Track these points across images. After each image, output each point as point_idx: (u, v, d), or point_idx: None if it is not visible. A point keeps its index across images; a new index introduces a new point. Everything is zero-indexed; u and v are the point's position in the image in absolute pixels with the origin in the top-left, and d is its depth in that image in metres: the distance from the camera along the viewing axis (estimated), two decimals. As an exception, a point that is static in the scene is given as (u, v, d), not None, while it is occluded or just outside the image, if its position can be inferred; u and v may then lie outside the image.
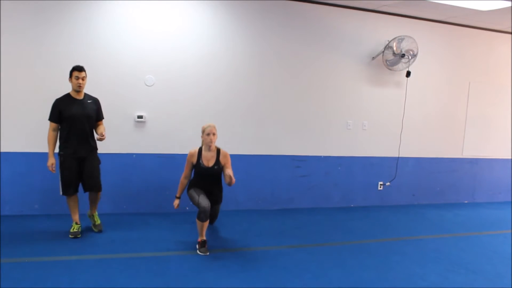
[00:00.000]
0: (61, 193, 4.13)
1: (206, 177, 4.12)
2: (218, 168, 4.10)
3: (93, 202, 4.35)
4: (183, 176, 4.18)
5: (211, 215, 4.24)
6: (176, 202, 4.20)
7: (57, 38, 4.62)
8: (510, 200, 7.02)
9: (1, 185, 4.62)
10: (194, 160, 4.09)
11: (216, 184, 4.22)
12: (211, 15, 5.13)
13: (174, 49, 5.02)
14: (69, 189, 4.10)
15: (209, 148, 4.08)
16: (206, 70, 5.17)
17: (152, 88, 5.00)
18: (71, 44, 4.66)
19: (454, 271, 3.75)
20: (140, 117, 4.97)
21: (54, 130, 4.06)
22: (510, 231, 5.19)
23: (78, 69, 4.04)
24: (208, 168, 4.07)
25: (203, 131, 4.07)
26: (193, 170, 4.20)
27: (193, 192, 4.08)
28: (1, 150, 4.58)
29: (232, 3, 5.19)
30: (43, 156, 4.55)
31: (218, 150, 4.13)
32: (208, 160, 4.08)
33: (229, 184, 3.95)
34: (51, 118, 4.05)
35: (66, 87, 4.37)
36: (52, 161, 4.05)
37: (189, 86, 5.12)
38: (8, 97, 4.54)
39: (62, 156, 4.07)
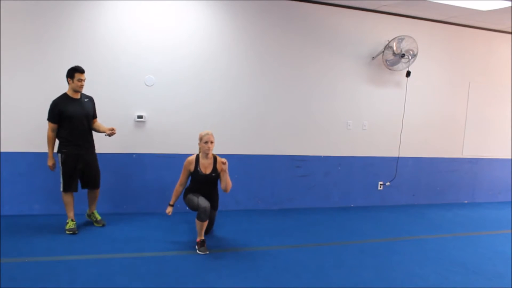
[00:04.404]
0: (61, 189, 4.20)
1: (203, 184, 4.12)
2: (215, 175, 4.12)
3: (93, 200, 4.46)
4: (179, 183, 4.15)
5: (208, 222, 4.18)
6: (169, 209, 4.15)
7: (57, 38, 4.62)
8: (510, 200, 7.02)
9: (1, 185, 4.62)
10: (192, 167, 4.08)
11: (212, 190, 4.22)
12: (211, 15, 5.13)
13: (174, 49, 5.02)
14: (70, 186, 4.19)
15: (206, 156, 4.08)
16: (206, 70, 5.17)
17: (152, 88, 5.00)
18: (71, 44, 4.66)
19: (454, 271, 3.75)
20: (140, 117, 4.97)
21: (53, 130, 4.12)
22: (510, 231, 5.20)
23: (81, 70, 4.11)
24: (205, 175, 4.08)
25: (200, 139, 4.07)
26: (189, 178, 4.19)
27: (191, 196, 4.07)
28: (1, 150, 4.58)
29: (232, 3, 5.19)
30: (43, 156, 4.56)
31: (215, 158, 4.14)
32: (206, 168, 4.08)
33: (225, 189, 4.10)
34: (51, 119, 4.10)
35: (65, 87, 4.37)
36: (52, 161, 4.18)
37: (189, 86, 5.12)
38: (8, 97, 4.54)
39: (65, 154, 4.13)
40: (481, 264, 3.97)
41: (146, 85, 4.98)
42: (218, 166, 4.12)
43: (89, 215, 4.58)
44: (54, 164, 4.18)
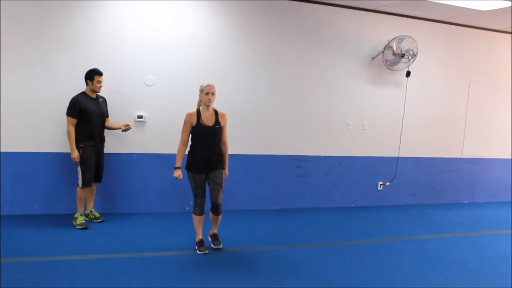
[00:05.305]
0: (80, 185, 4.35)
1: (206, 138, 3.85)
2: (218, 128, 3.91)
3: (93, 195, 4.64)
4: (181, 142, 3.87)
5: (218, 188, 4.01)
6: (179, 172, 3.85)
7: (57, 38, 4.62)
8: (510, 200, 7.02)
9: (1, 185, 4.62)
10: (194, 121, 3.83)
11: (215, 147, 3.92)
12: (211, 15, 5.13)
13: (174, 49, 5.02)
14: (90, 180, 4.40)
15: (207, 108, 3.87)
16: (206, 70, 5.16)
17: (152, 88, 5.00)
18: (71, 44, 4.66)
19: (454, 271, 3.75)
20: (140, 117, 4.97)
21: (73, 125, 4.28)
22: (510, 231, 5.20)
23: (100, 73, 4.36)
24: (209, 127, 3.84)
25: (201, 91, 3.86)
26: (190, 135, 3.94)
27: (192, 179, 3.88)
28: (1, 150, 4.58)
29: (232, 4, 5.19)
30: (43, 156, 4.57)
31: (216, 111, 3.96)
32: (208, 120, 3.86)
33: (224, 142, 3.99)
34: (72, 114, 4.25)
35: (66, 87, 4.39)
36: (77, 154, 4.28)
37: (189, 86, 5.11)
38: (8, 97, 4.54)
39: (84, 148, 4.32)
40: (481, 264, 3.97)
41: (146, 85, 4.98)
42: (221, 120, 3.93)
43: (87, 215, 4.64)
44: (78, 156, 4.27)
